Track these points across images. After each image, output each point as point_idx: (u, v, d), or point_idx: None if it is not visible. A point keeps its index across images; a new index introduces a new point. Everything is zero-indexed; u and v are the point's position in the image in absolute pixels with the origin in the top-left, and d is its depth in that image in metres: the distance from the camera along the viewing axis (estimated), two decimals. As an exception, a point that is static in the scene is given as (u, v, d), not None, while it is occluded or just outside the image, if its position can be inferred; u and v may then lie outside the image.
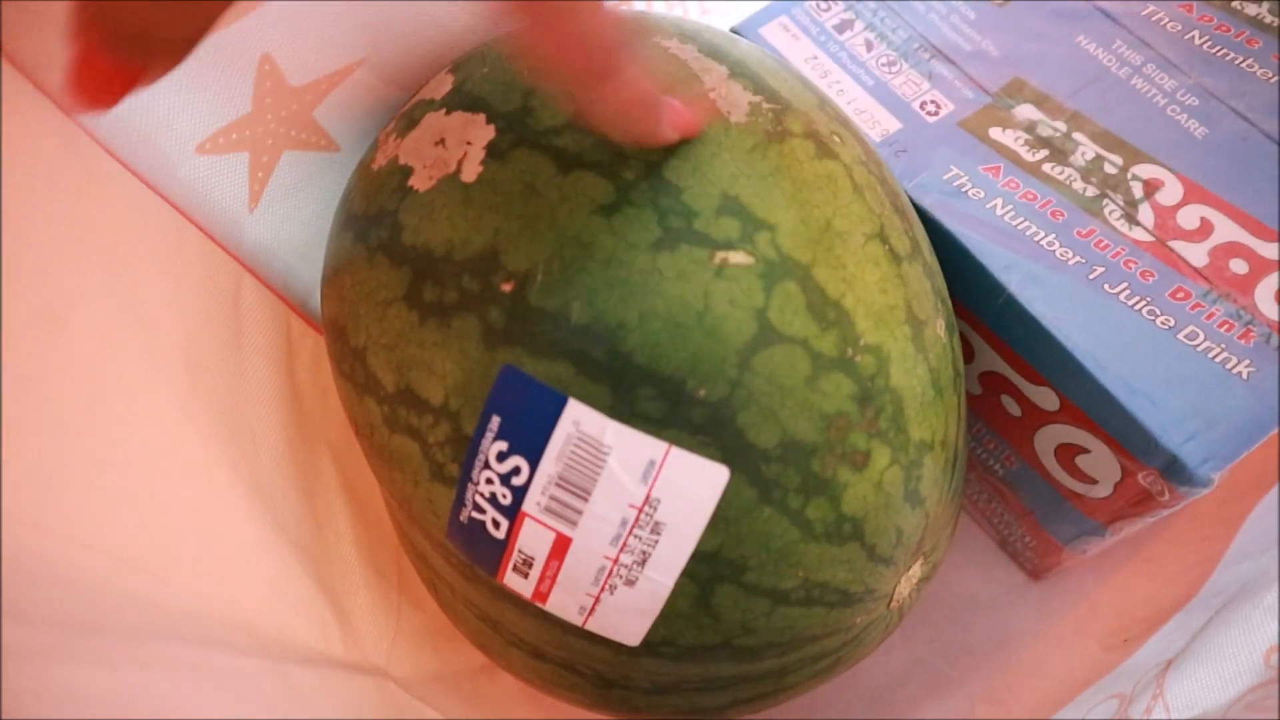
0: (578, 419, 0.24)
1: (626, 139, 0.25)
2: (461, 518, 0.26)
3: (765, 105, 0.26)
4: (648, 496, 0.24)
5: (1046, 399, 0.34)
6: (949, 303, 0.30)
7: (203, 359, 0.29)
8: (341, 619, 0.33)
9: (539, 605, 0.27)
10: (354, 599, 0.34)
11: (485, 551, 0.26)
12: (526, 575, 0.26)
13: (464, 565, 0.28)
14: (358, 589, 0.35)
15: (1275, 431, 0.31)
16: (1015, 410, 0.36)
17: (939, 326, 0.27)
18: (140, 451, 0.25)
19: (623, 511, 0.24)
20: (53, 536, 0.22)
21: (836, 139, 0.27)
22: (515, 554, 0.26)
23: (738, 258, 0.24)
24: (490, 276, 0.25)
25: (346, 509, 0.36)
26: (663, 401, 0.23)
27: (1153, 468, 0.32)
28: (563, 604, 0.26)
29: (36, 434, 0.23)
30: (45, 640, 0.21)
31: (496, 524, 0.25)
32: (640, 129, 0.24)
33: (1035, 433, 0.36)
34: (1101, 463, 0.34)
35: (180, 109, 0.28)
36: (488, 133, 0.26)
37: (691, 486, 0.24)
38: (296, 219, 0.33)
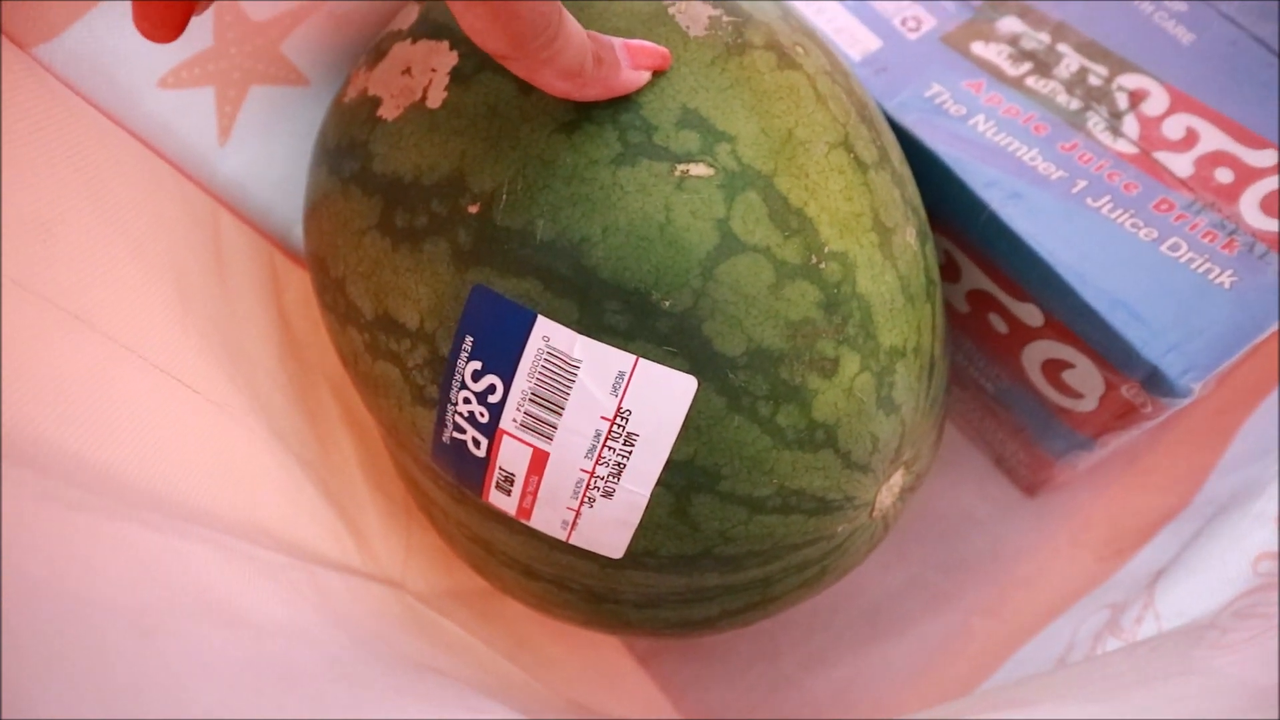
0: (547, 334, 0.24)
1: (591, 98, 0.24)
2: (444, 439, 0.27)
3: (725, 19, 0.26)
4: (618, 408, 0.24)
5: (1031, 315, 0.34)
6: (922, 212, 0.30)
7: (191, 288, 0.29)
8: (355, 533, 0.33)
9: (524, 522, 0.27)
10: (365, 517, 0.34)
11: (469, 471, 0.27)
12: (509, 492, 0.27)
13: (451, 487, 0.29)
14: (367, 509, 0.35)
15: (1264, 339, 0.31)
16: (1002, 327, 0.36)
17: (909, 234, 0.27)
18: (138, 361, 0.26)
19: (595, 424, 0.25)
20: (58, 436, 0.23)
21: (799, 50, 0.27)
22: (497, 471, 0.26)
23: (698, 169, 0.24)
24: (457, 199, 0.25)
25: (350, 437, 0.36)
26: (629, 314, 0.24)
27: (1134, 380, 0.32)
28: (546, 519, 0.27)
29: (35, 341, 0.23)
30: (99, 502, 0.22)
31: (477, 443, 0.26)
32: (601, 85, 0.23)
33: (1022, 349, 0.36)
34: (1086, 377, 0.34)
35: (137, 42, 0.27)
36: (451, 58, 0.26)
37: (661, 397, 0.24)
38: (271, 154, 0.33)
